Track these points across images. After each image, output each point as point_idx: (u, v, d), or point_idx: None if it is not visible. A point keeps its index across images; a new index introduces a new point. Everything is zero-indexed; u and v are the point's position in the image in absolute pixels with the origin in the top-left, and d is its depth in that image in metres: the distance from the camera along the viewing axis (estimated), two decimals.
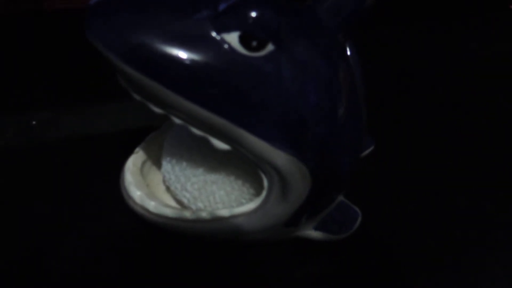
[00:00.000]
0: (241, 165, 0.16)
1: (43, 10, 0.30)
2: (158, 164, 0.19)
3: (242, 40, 0.12)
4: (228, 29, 0.12)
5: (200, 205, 0.17)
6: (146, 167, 0.19)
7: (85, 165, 0.22)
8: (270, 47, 0.13)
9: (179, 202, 0.18)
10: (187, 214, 0.16)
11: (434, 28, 0.38)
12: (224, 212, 0.15)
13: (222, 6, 0.12)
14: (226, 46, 0.12)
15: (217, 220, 0.16)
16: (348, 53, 0.16)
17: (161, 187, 0.19)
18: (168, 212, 0.16)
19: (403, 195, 0.22)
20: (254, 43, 0.12)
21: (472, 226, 0.21)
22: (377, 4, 0.15)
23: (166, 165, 0.18)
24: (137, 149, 0.19)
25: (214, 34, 0.12)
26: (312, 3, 0.15)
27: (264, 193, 0.15)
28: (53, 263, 0.18)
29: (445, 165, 0.24)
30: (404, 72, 0.32)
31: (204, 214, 0.16)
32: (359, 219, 0.18)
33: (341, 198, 0.18)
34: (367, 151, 0.22)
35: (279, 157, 0.14)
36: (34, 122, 0.25)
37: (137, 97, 0.13)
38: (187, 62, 0.12)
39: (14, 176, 0.22)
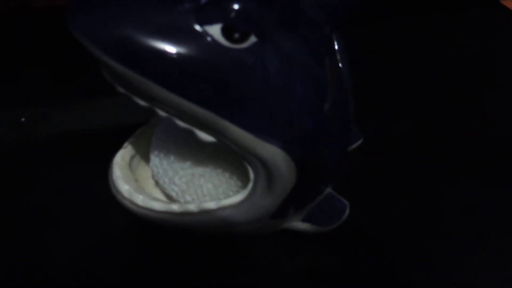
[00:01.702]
0: (229, 158, 0.16)
1: (31, 6, 0.30)
2: (146, 159, 0.19)
3: (225, 32, 0.12)
4: (211, 22, 0.12)
5: (188, 198, 0.17)
6: (135, 161, 0.19)
7: (74, 161, 0.22)
8: (253, 39, 0.13)
9: (168, 196, 0.18)
10: (175, 207, 0.16)
11: (425, 23, 0.38)
12: (211, 205, 0.15)
13: None
14: (209, 38, 0.12)
15: (204, 212, 0.16)
16: (336, 46, 0.16)
17: (150, 181, 0.19)
18: (156, 205, 0.16)
19: (391, 187, 0.22)
20: (237, 35, 0.12)
21: (461, 218, 0.21)
22: None
23: (154, 159, 0.18)
24: (125, 144, 0.19)
25: (197, 26, 0.12)
26: None
27: (250, 185, 0.15)
28: (44, 258, 0.18)
29: (433, 158, 0.24)
30: (394, 66, 0.32)
31: (191, 207, 0.16)
32: (347, 210, 0.19)
33: (329, 190, 0.18)
34: (355, 144, 0.22)
35: (264, 148, 0.14)
36: (23, 119, 0.25)
37: (121, 90, 0.13)
38: (170, 54, 0.12)
39: (3, 173, 0.22)
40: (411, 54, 0.34)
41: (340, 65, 0.16)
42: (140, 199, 0.16)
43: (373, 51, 0.33)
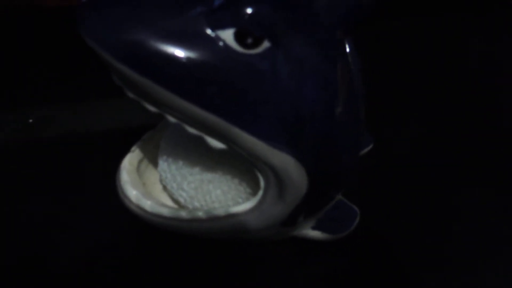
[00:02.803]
0: (238, 164, 0.16)
1: (40, 7, 0.30)
2: (154, 163, 0.19)
3: (237, 37, 0.12)
4: (223, 26, 0.12)
5: (197, 204, 0.17)
6: (143, 166, 0.19)
7: (81, 164, 0.22)
8: (266, 44, 0.12)
9: (175, 201, 0.18)
10: (183, 214, 0.16)
11: (434, 24, 0.38)
12: (220, 212, 0.15)
13: (217, 2, 0.12)
14: (221, 43, 0.12)
15: (213, 219, 0.15)
16: (347, 49, 0.16)
17: (157, 186, 0.19)
18: (164, 211, 0.16)
19: (402, 193, 0.22)
20: (250, 40, 0.12)
21: (472, 223, 0.21)
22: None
23: (163, 164, 0.17)
24: (133, 148, 0.18)
25: (209, 31, 0.12)
26: None
27: (260, 193, 0.15)
28: (49, 261, 0.18)
29: (444, 162, 0.24)
30: (404, 68, 0.32)
31: (200, 214, 0.15)
32: (358, 217, 0.18)
33: (339, 197, 0.18)
34: (366, 149, 0.22)
35: (275, 156, 0.13)
36: (31, 120, 0.25)
37: (131, 95, 0.13)
38: (181, 59, 0.12)
39: (10, 174, 0.22)
40: (421, 55, 0.33)
41: (351, 69, 0.16)
42: (148, 205, 0.16)
43: (382, 53, 0.32)
